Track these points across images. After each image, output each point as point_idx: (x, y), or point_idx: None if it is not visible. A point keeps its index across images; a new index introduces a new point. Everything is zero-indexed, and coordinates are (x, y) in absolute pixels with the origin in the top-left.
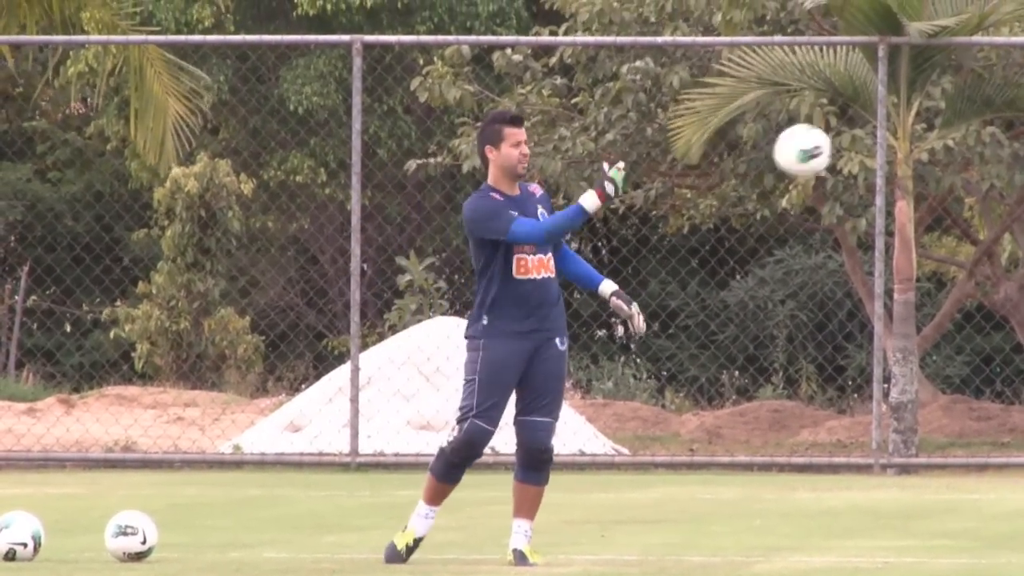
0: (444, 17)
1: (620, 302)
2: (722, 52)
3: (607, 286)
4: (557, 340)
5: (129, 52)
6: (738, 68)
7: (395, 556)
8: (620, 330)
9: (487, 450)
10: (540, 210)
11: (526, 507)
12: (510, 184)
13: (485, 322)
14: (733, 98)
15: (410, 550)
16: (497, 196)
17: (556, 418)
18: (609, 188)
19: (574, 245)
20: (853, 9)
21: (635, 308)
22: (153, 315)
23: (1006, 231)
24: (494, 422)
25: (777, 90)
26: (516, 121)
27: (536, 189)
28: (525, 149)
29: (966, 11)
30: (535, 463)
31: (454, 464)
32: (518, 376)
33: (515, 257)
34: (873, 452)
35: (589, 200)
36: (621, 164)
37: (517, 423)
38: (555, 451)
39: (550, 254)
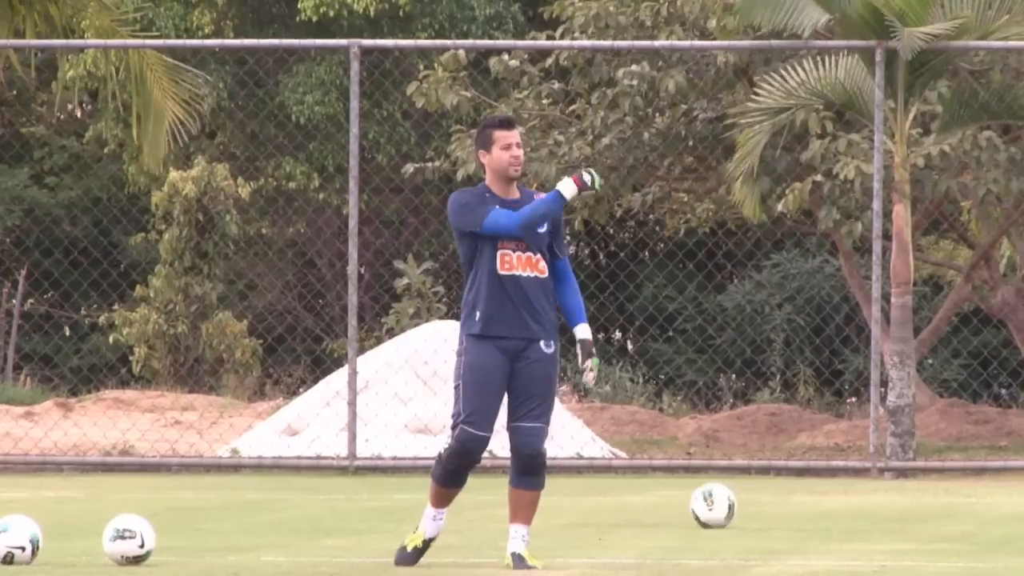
0: (444, 24)
1: (582, 353)
2: (718, 56)
3: (581, 331)
4: (542, 343)
5: (129, 58)
6: (755, 102)
7: (404, 558)
8: (585, 376)
9: (485, 453)
10: None
11: (522, 512)
12: (505, 187)
13: (469, 323)
14: (755, 135)
15: (419, 551)
16: (484, 190)
17: (547, 422)
18: (587, 177)
19: (571, 249)
20: (850, 13)
21: (590, 364)
22: (151, 319)
23: (1003, 235)
24: (484, 426)
25: (784, 117)
26: (506, 124)
27: (541, 196)
28: (516, 152)
29: (962, 15)
30: (528, 468)
31: (451, 471)
32: (503, 378)
33: (498, 252)
34: (871, 456)
35: (567, 186)
36: (595, 173)
37: (509, 429)
38: (552, 454)
39: (539, 255)
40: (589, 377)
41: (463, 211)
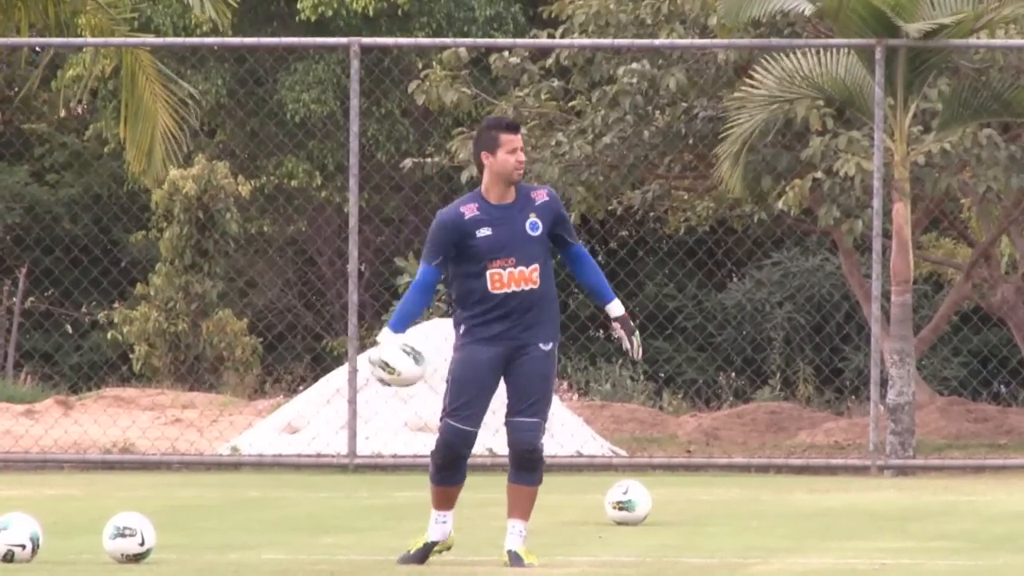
0: (442, 23)
1: (623, 331)
2: (718, 54)
3: (615, 308)
4: (540, 343)
5: (123, 57)
6: (750, 90)
7: (407, 558)
8: (621, 344)
9: (484, 451)
10: (532, 218)
11: (519, 508)
12: (502, 191)
13: (463, 329)
14: (750, 121)
15: (422, 552)
16: (466, 211)
17: (544, 418)
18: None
19: None
20: (849, 12)
21: (636, 339)
22: (151, 317)
23: (1003, 233)
24: (467, 421)
25: (782, 105)
26: (512, 128)
27: (540, 195)
28: (521, 156)
29: (962, 12)
30: (524, 463)
31: (440, 466)
32: (495, 375)
33: (488, 274)
34: (870, 454)
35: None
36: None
37: (506, 424)
38: (552, 452)
39: (535, 265)
40: (637, 352)
41: (428, 241)
